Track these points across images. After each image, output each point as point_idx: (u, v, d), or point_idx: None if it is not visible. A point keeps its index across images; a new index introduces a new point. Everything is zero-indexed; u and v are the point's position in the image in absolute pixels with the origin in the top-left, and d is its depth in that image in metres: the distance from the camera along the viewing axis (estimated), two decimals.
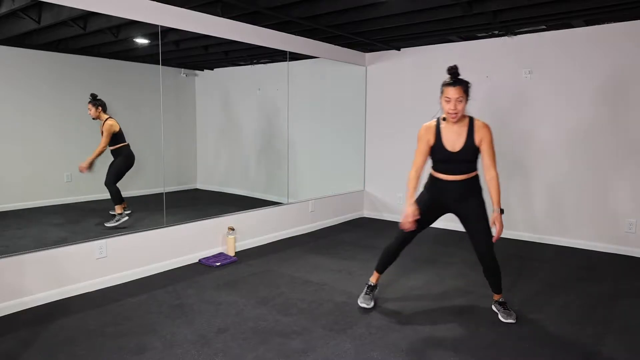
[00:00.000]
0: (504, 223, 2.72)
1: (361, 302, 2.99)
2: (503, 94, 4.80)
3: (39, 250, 2.99)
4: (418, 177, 2.81)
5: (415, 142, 2.86)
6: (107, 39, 3.56)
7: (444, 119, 2.73)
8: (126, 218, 3.71)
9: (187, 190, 4.72)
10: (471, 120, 2.71)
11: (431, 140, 2.74)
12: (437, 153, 2.73)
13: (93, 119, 3.60)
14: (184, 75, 4.50)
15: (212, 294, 3.20)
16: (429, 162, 2.84)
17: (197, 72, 4.64)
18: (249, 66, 5.00)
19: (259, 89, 5.12)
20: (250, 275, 3.59)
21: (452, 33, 4.61)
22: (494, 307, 2.94)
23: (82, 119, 3.56)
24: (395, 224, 5.54)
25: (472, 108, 5.00)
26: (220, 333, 2.59)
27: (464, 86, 2.62)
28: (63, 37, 3.38)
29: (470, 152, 2.68)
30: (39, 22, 3.12)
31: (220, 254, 4.07)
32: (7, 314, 2.83)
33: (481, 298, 3.16)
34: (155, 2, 3.47)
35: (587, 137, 4.37)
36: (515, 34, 4.63)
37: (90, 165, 3.66)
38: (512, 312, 2.83)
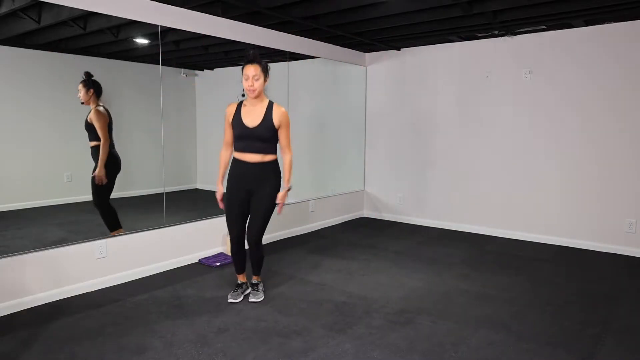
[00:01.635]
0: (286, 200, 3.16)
1: (230, 299, 3.06)
2: (503, 94, 4.80)
3: (39, 250, 3.00)
4: (228, 151, 3.06)
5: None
6: (107, 39, 3.56)
7: (244, 100, 2.95)
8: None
9: (187, 190, 4.72)
10: (271, 102, 2.94)
11: (230, 118, 2.94)
12: (236, 128, 2.91)
13: (82, 103, 3.19)
14: (184, 75, 4.49)
15: (212, 294, 3.20)
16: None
17: (197, 72, 4.64)
18: None
19: None
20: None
21: (452, 33, 4.61)
22: (247, 285, 3.17)
23: (82, 119, 3.56)
24: (395, 224, 5.54)
25: (473, 107, 5.02)
26: (220, 333, 2.59)
27: (262, 65, 2.86)
28: (63, 37, 3.38)
29: (267, 130, 2.86)
30: (39, 22, 3.12)
31: (220, 254, 4.07)
32: (7, 314, 2.83)
33: (482, 298, 3.16)
34: (155, 2, 3.47)
35: (587, 137, 4.37)
36: (515, 34, 4.63)
37: (106, 171, 3.32)
38: (259, 292, 3.11)
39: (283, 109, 2.93)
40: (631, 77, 4.11)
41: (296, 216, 5.00)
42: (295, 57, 4.81)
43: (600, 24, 4.21)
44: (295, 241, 4.69)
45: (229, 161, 3.06)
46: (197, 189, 4.83)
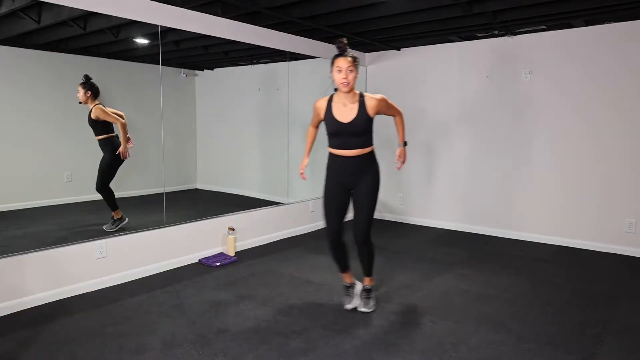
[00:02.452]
0: (406, 156, 3.14)
1: (347, 304, 2.95)
2: (503, 94, 4.80)
3: (39, 250, 2.99)
4: (312, 131, 3.05)
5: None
6: (107, 39, 3.56)
7: (336, 92, 2.79)
8: (126, 221, 3.65)
9: (187, 190, 4.72)
10: (362, 94, 2.77)
11: (322, 113, 2.81)
12: (329, 125, 2.78)
13: (80, 102, 3.42)
14: (184, 75, 4.50)
15: (212, 294, 3.20)
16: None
17: (197, 72, 4.64)
18: (249, 66, 5.00)
19: (259, 89, 5.12)
20: (250, 275, 3.59)
21: (452, 33, 4.61)
22: (357, 289, 3.03)
23: (82, 119, 3.56)
24: (395, 224, 5.54)
25: (473, 107, 5.02)
26: (220, 333, 2.59)
27: (353, 58, 2.70)
28: (63, 37, 3.38)
29: (362, 124, 2.72)
30: (39, 22, 3.12)
31: (220, 254, 4.07)
32: (7, 314, 2.83)
33: (482, 298, 3.16)
34: (155, 2, 3.47)
35: (587, 137, 4.37)
36: (515, 34, 4.63)
37: (128, 145, 3.61)
38: (371, 301, 2.95)
39: (377, 96, 2.76)
40: (631, 77, 4.11)
41: (296, 216, 5.00)
42: (295, 57, 4.81)
43: (600, 24, 4.21)
44: (295, 241, 4.69)
45: (315, 137, 3.04)
46: (197, 189, 4.83)
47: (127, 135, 3.64)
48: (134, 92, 3.94)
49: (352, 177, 2.81)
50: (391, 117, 2.99)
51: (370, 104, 2.72)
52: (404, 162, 3.01)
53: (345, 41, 2.70)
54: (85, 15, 3.22)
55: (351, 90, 2.70)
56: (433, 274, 3.67)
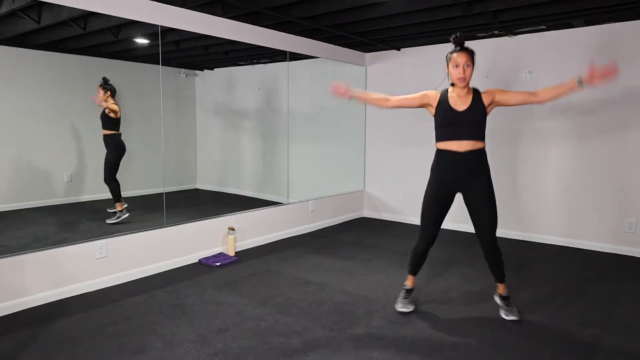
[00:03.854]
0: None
1: (399, 307, 2.90)
2: None
3: (39, 250, 2.99)
4: (387, 100, 2.88)
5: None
6: (107, 39, 3.56)
7: (452, 85, 2.73)
8: (127, 215, 3.73)
9: (187, 190, 4.72)
10: (476, 89, 2.73)
11: (433, 102, 2.73)
12: (441, 114, 2.70)
13: (98, 105, 3.61)
14: (184, 75, 4.50)
15: (212, 294, 3.20)
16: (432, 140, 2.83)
17: (197, 72, 4.64)
18: (249, 66, 5.00)
19: (259, 89, 5.12)
20: (250, 275, 3.59)
21: (452, 33, 4.58)
22: (496, 299, 2.94)
23: (82, 119, 3.56)
24: (395, 224, 5.54)
25: None
26: (220, 333, 2.59)
27: (471, 53, 2.66)
28: (63, 37, 3.38)
29: (477, 113, 2.64)
30: (39, 22, 3.12)
31: (220, 254, 4.07)
32: (7, 314, 2.83)
33: (482, 298, 3.16)
34: (155, 2, 3.47)
35: (586, 137, 4.36)
36: (515, 34, 4.63)
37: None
38: (514, 308, 2.83)
39: (489, 88, 2.72)
40: (631, 77, 4.11)
41: (296, 216, 5.00)
42: (295, 57, 4.81)
43: (600, 24, 4.21)
44: (295, 241, 4.69)
45: (379, 97, 2.89)
46: (197, 189, 4.84)
47: (109, 107, 3.68)
48: (134, 92, 3.94)
49: (462, 177, 2.69)
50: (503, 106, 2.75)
51: (486, 96, 2.67)
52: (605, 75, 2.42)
53: (459, 34, 2.65)
54: (85, 15, 3.22)
55: (467, 85, 2.68)
56: (433, 274, 3.67)
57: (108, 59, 3.67)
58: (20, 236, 3.25)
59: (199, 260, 3.94)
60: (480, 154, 2.70)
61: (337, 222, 5.56)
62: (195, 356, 2.34)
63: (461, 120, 2.64)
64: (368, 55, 5.74)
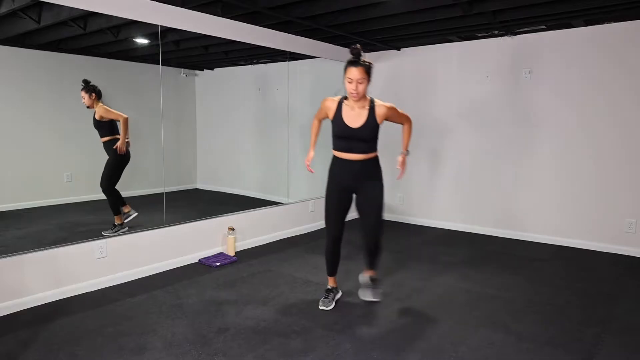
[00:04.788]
0: (407, 165, 3.08)
1: (320, 306, 2.96)
2: (503, 94, 4.80)
3: (39, 250, 2.99)
4: (317, 123, 3.05)
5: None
6: (107, 39, 3.56)
7: (346, 98, 2.81)
8: (126, 229, 3.59)
9: (187, 190, 4.72)
10: (372, 101, 2.79)
11: (331, 114, 2.83)
12: (337, 127, 2.80)
13: (87, 107, 3.45)
14: (184, 75, 4.50)
15: (212, 294, 3.20)
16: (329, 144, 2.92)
17: (197, 72, 4.64)
18: (249, 66, 5.00)
19: (259, 89, 5.12)
20: (250, 275, 3.59)
21: (452, 33, 4.61)
22: (361, 279, 3.11)
23: (82, 119, 3.56)
24: (395, 224, 5.54)
25: (473, 107, 5.02)
26: (220, 333, 2.59)
27: (366, 67, 2.67)
28: (63, 37, 3.38)
29: (370, 129, 2.75)
30: (39, 22, 3.12)
31: (220, 254, 4.07)
32: (7, 314, 2.83)
33: (482, 298, 3.16)
34: (155, 2, 3.47)
35: (586, 137, 4.36)
36: (515, 34, 4.63)
37: (126, 143, 3.61)
38: (378, 290, 3.03)
39: (387, 104, 2.80)
40: (631, 77, 4.11)
41: (296, 216, 5.00)
42: (295, 57, 4.81)
43: (600, 24, 4.21)
44: (295, 241, 4.69)
45: (319, 129, 3.06)
46: (197, 189, 4.84)
47: (127, 137, 3.63)
48: (134, 92, 3.94)
49: (356, 180, 2.84)
50: (398, 125, 3.01)
51: (380, 112, 2.76)
52: (404, 171, 3.01)
53: (359, 47, 2.69)
54: (85, 15, 3.22)
55: (362, 98, 2.75)
56: (433, 274, 3.67)
57: (108, 59, 3.67)
58: (20, 236, 3.25)
59: (199, 260, 3.94)
60: (373, 161, 2.86)
61: None
62: (195, 356, 2.34)
63: (354, 137, 2.75)
64: (368, 55, 5.74)
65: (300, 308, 2.96)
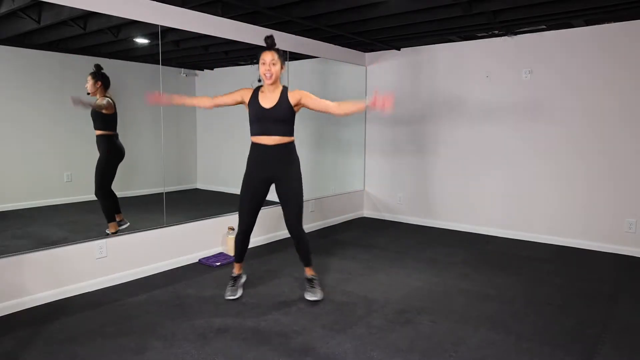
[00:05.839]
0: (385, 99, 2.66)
1: (227, 295, 3.07)
2: (503, 94, 4.80)
3: (39, 250, 2.99)
4: (209, 99, 3.05)
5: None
6: (107, 39, 3.56)
7: (260, 88, 2.94)
8: (127, 225, 3.56)
9: (187, 190, 4.72)
10: (285, 87, 2.94)
11: (247, 98, 2.93)
12: (252, 110, 2.91)
13: (88, 93, 3.32)
14: (184, 75, 4.50)
15: (212, 294, 3.20)
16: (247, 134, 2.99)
17: (197, 72, 4.64)
18: (249, 66, 5.00)
19: None
20: (250, 275, 3.59)
21: (452, 33, 4.61)
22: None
23: (82, 119, 3.56)
24: (395, 224, 5.54)
25: (473, 107, 5.02)
26: (220, 333, 2.59)
27: (278, 51, 2.86)
28: (63, 37, 3.38)
29: (282, 110, 2.85)
30: (39, 22, 3.12)
31: (220, 254, 4.07)
32: (7, 314, 2.83)
33: (482, 298, 3.16)
34: (155, 2, 3.47)
35: (586, 137, 4.36)
36: (515, 34, 4.63)
37: (82, 102, 3.30)
38: (317, 289, 3.09)
39: (298, 90, 2.93)
40: (631, 77, 4.11)
41: None
42: (295, 57, 4.81)
43: (600, 24, 4.21)
44: None
45: (200, 98, 3.14)
46: (197, 189, 4.84)
47: (89, 102, 3.30)
48: (134, 92, 3.94)
49: (272, 168, 2.93)
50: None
51: (292, 94, 2.90)
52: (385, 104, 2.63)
53: (271, 35, 2.86)
54: (85, 15, 3.22)
55: (274, 82, 2.88)
56: (433, 274, 3.67)
57: (108, 59, 3.66)
58: (20, 236, 3.25)
59: (199, 260, 3.94)
60: (288, 147, 2.94)
61: (337, 222, 5.56)
62: (195, 356, 2.34)
63: (268, 117, 2.87)
64: (368, 55, 5.74)
65: (300, 308, 2.96)
